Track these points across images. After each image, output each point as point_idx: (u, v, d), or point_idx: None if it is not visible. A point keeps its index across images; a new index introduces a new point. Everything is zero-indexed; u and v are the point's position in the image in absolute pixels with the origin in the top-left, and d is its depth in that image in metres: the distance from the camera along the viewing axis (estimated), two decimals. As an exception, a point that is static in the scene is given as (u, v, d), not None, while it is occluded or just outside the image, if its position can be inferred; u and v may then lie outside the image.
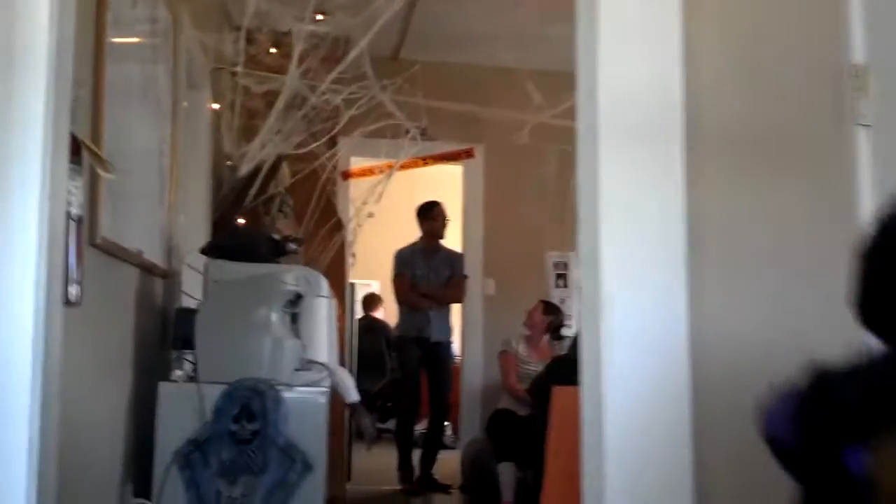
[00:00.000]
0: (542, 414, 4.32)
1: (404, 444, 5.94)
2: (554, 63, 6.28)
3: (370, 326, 8.46)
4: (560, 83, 5.78)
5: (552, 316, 5.68)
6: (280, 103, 4.45)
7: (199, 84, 4.30)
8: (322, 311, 3.27)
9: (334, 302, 3.46)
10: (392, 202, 5.35)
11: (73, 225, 1.71)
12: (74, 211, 1.74)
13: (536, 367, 5.55)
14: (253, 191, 3.97)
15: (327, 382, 3.00)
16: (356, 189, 5.81)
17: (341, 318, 3.69)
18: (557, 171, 6.43)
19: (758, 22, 1.51)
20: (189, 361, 3.17)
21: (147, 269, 2.95)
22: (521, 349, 5.59)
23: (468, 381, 6.22)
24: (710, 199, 1.50)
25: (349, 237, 5.48)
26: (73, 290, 1.73)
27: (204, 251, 3.40)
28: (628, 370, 1.45)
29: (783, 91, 1.49)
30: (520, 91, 5.40)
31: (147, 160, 3.03)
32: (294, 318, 3.14)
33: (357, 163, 6.20)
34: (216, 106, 4.62)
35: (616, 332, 1.47)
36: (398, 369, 6.21)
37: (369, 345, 8.35)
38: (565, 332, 5.90)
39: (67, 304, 1.69)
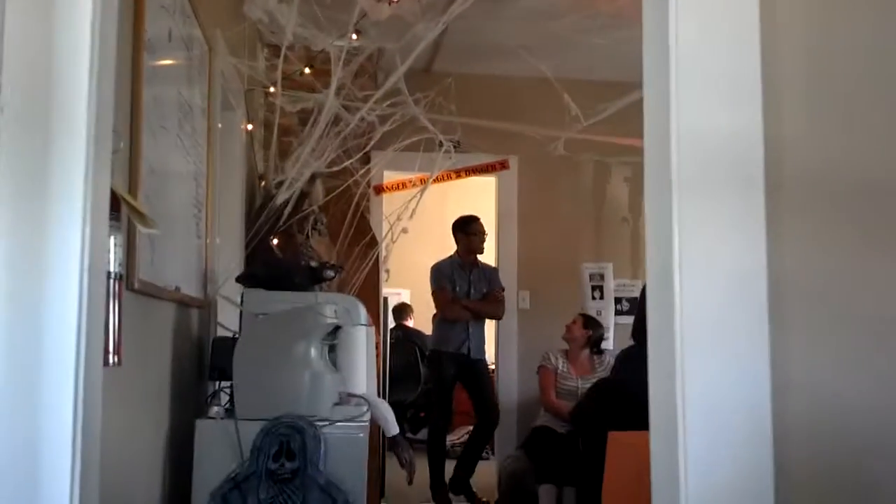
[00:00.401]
0: (585, 438, 4.24)
1: (436, 461, 5.87)
2: (589, 72, 6.24)
3: (402, 337, 8.41)
4: (595, 92, 5.74)
5: (592, 330, 5.59)
6: (321, 124, 4.40)
7: (233, 104, 4.26)
8: (360, 341, 3.21)
9: (373, 329, 3.40)
10: (423, 211, 5.28)
11: (113, 283, 1.66)
12: (115, 269, 1.69)
13: (576, 382, 5.47)
14: (287, 209, 3.91)
15: (367, 417, 2.93)
16: (389, 204, 5.75)
17: (378, 342, 3.62)
18: (593, 181, 6.35)
19: (850, 60, 1.41)
20: (226, 393, 3.14)
21: (184, 303, 2.91)
22: (561, 364, 5.51)
23: (504, 396, 6.14)
24: (795, 254, 1.40)
25: (383, 253, 5.43)
26: (113, 356, 1.68)
27: (240, 280, 3.36)
28: (705, 444, 1.36)
29: (880, 137, 1.40)
30: (554, 100, 5.30)
31: (183, 189, 2.97)
32: (332, 349, 3.09)
33: (390, 177, 6.14)
34: (250, 126, 4.58)
35: (691, 399, 1.37)
36: (431, 383, 6.14)
37: (402, 355, 8.30)
38: (605, 345, 5.81)
39: (107, 366, 1.64)
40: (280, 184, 3.72)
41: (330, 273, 3.37)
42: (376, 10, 4.03)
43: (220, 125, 3.78)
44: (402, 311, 8.87)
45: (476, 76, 6.20)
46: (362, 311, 3.31)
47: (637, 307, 3.86)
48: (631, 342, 4.33)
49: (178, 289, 2.67)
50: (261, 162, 5.42)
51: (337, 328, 3.08)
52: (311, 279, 3.35)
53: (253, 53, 4.88)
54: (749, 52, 1.40)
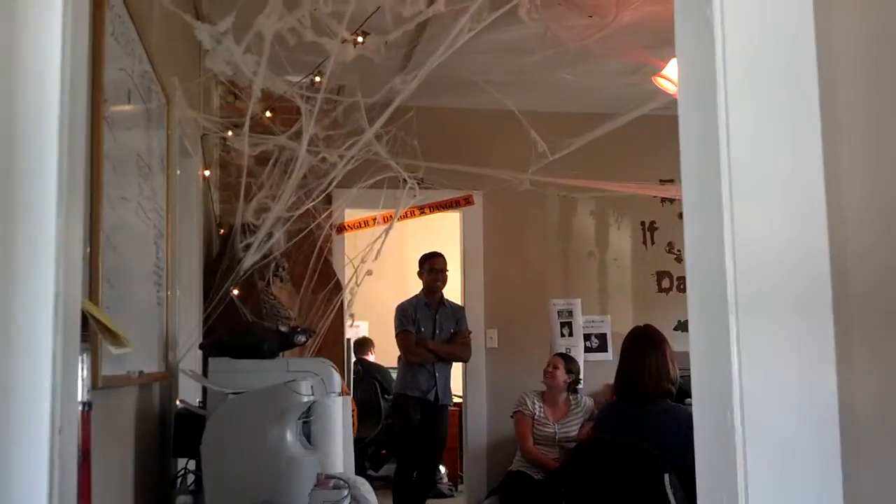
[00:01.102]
0: (569, 494, 4.08)
1: (402, 504, 5.67)
2: (555, 105, 6.13)
3: (363, 372, 8.19)
4: (561, 123, 5.61)
5: (571, 372, 5.45)
6: (284, 167, 4.20)
7: (189, 151, 4.04)
8: (336, 413, 3.01)
9: (349, 398, 3.20)
10: (385, 246, 5.10)
11: (82, 413, 1.45)
12: (85, 398, 1.47)
13: (553, 428, 5.31)
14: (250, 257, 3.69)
15: (347, 501, 2.73)
16: (352, 245, 5.55)
17: (354, 410, 3.42)
18: (559, 215, 6.21)
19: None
20: (192, 472, 2.92)
21: (146, 385, 2.68)
22: (538, 409, 5.34)
23: (472, 438, 5.96)
24: (870, 383, 1.24)
25: (347, 297, 5.22)
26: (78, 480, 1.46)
27: (204, 348, 3.14)
28: None
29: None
30: (520, 133, 5.17)
31: (144, 258, 2.75)
32: (306, 423, 2.89)
33: (352, 214, 5.94)
34: (207, 172, 4.36)
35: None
36: (397, 427, 5.93)
37: (363, 391, 8.08)
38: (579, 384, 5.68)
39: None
40: (248, 247, 3.51)
41: (301, 338, 3.16)
42: (342, 52, 3.84)
43: (178, 172, 3.57)
44: (363, 345, 8.65)
45: (440, 109, 6.03)
46: (336, 380, 3.11)
47: (619, 360, 3.71)
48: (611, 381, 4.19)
49: (141, 373, 2.44)
50: (217, 204, 5.20)
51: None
52: (281, 345, 3.15)
53: (208, 94, 4.66)
54: (812, 156, 1.24)
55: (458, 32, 3.12)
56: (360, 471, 7.96)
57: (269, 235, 3.52)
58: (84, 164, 1.58)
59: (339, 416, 3.00)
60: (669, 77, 4.24)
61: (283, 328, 3.18)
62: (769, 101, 1.26)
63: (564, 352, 5.89)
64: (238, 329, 3.28)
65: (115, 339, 1.48)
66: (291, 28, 3.39)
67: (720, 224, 1.26)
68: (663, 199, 6.23)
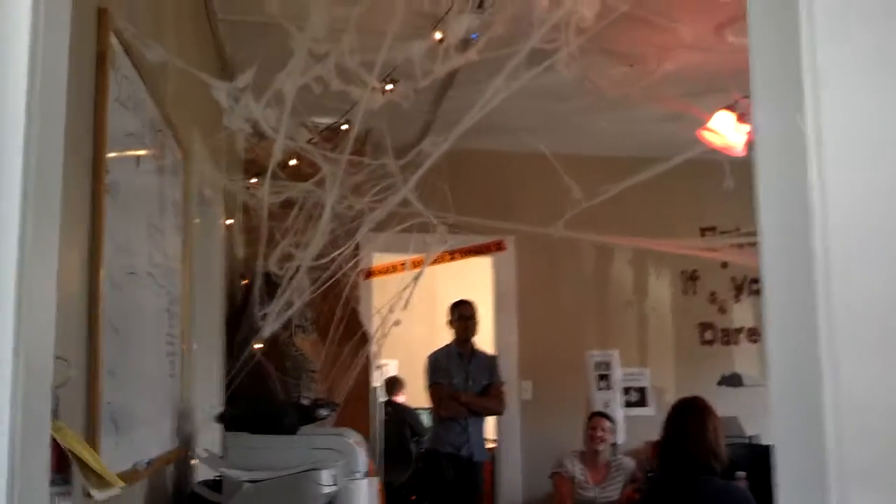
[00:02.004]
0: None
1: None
2: (590, 148, 5.91)
3: (393, 414, 7.94)
4: (596, 167, 5.40)
5: (615, 432, 5.19)
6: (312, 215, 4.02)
7: (210, 200, 3.87)
8: (360, 499, 2.79)
9: (375, 480, 2.98)
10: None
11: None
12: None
13: (594, 492, 5.05)
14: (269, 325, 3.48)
15: None
16: (380, 293, 5.34)
17: (380, 489, 3.19)
18: (595, 262, 5.98)
19: None
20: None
21: (158, 471, 2.48)
22: (578, 471, 5.07)
23: (506, 496, 5.71)
24: None
25: (374, 348, 5.01)
26: None
27: (222, 421, 2.94)
28: None
29: None
30: (552, 175, 4.96)
31: (156, 333, 2.56)
32: (330, 509, 2.67)
33: (380, 258, 5.74)
34: (230, 221, 4.19)
35: None
36: (429, 484, 5.68)
37: (394, 433, 7.83)
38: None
39: None
40: (265, 316, 3.31)
41: (323, 412, 2.95)
42: (370, 100, 3.65)
43: (196, 221, 3.41)
44: (393, 385, 8.41)
45: (471, 151, 5.82)
46: (362, 459, 2.89)
47: (664, 431, 3.46)
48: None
49: (150, 463, 2.24)
50: (241, 248, 5.03)
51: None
52: (302, 420, 2.94)
53: (231, 136, 4.50)
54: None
55: (493, 93, 2.91)
56: (387, 517, 7.73)
57: (290, 305, 3.31)
58: (56, 232, 1.40)
59: (366, 503, 2.77)
60: (715, 130, 4.01)
61: (304, 401, 2.97)
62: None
63: (602, 407, 5.63)
64: (257, 402, 3.08)
65: (100, 481, 1.28)
66: (317, 77, 3.21)
67: (819, 383, 1.03)
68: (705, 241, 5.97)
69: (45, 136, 1.18)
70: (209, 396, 3.51)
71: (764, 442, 5.18)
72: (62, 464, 1.24)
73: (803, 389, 1.04)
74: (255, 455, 2.79)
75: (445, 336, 6.23)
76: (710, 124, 4.05)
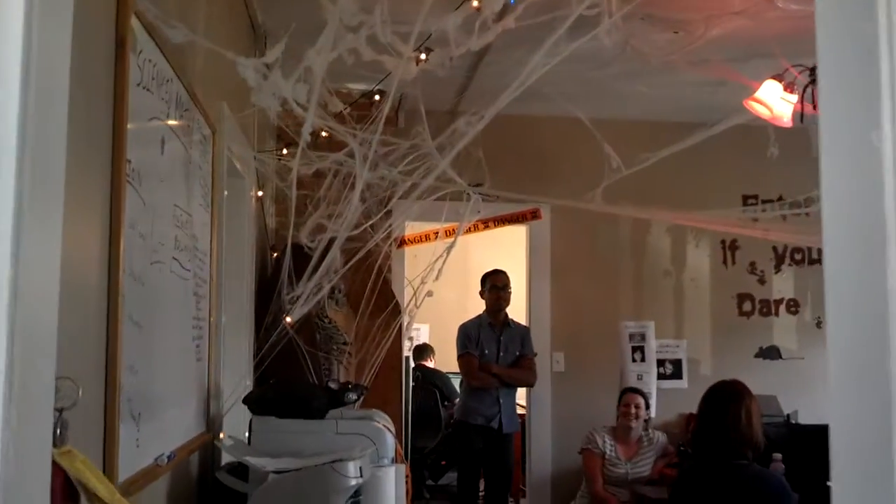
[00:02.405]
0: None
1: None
2: (631, 114, 5.75)
3: (421, 379, 7.91)
4: (636, 133, 5.24)
5: (649, 408, 5.10)
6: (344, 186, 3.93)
7: (240, 172, 3.79)
8: (388, 486, 2.73)
9: (402, 466, 2.92)
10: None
11: None
12: None
13: (625, 468, 4.97)
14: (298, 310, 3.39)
15: None
16: (412, 265, 5.26)
17: (407, 475, 3.14)
18: (631, 231, 5.84)
19: None
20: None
21: (182, 461, 2.43)
22: (608, 448, 4.99)
23: (535, 469, 5.65)
24: None
25: (406, 320, 4.94)
26: None
27: (249, 404, 2.88)
28: None
29: None
30: (589, 140, 4.83)
31: (181, 317, 2.50)
32: (355, 502, 2.61)
33: (413, 227, 5.64)
34: (260, 193, 4.11)
35: None
36: (458, 457, 5.63)
37: (423, 399, 7.80)
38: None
39: None
40: (295, 299, 3.23)
41: (352, 396, 2.88)
42: (405, 70, 3.53)
43: (225, 192, 3.33)
44: (423, 351, 8.38)
45: (506, 116, 5.63)
46: (390, 443, 2.83)
47: (699, 415, 3.36)
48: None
49: (172, 456, 2.19)
50: (271, 218, 4.95)
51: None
52: (331, 403, 2.87)
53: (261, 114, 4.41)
54: None
55: (532, 68, 2.78)
56: (418, 480, 7.73)
57: (319, 287, 3.23)
58: (58, 231, 1.30)
59: (392, 492, 2.71)
60: (763, 100, 3.85)
61: (332, 384, 2.91)
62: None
63: (636, 380, 5.54)
64: (285, 385, 3.01)
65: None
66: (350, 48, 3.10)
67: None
68: (744, 211, 5.81)
69: (44, 120, 1.06)
70: (238, 376, 3.46)
71: (801, 420, 5.07)
72: (67, 493, 1.16)
73: (869, 371, 0.94)
74: (281, 440, 2.74)
75: (477, 302, 6.14)
76: (757, 94, 3.88)
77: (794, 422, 4.98)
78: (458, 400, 7.72)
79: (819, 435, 4.44)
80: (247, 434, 2.78)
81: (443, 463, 8.33)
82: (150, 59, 2.04)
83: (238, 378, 3.55)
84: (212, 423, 2.89)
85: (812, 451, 4.46)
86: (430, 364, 8.40)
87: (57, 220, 1.14)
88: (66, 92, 1.18)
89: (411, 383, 6.84)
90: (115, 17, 1.78)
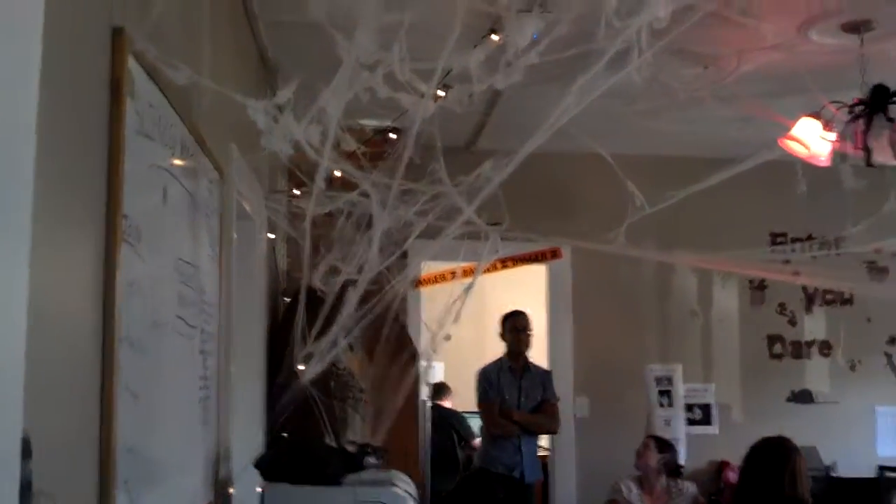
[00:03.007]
0: None
1: None
2: (654, 148, 5.55)
3: (438, 419, 7.67)
4: (660, 168, 5.05)
5: (667, 454, 4.85)
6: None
7: (250, 213, 3.62)
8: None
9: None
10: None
11: None
12: None
13: (653, 517, 4.73)
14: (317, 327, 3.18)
15: None
16: (429, 305, 5.07)
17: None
18: (655, 270, 5.63)
19: None
20: None
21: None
22: (634, 497, 4.75)
23: (560, 522, 5.41)
24: None
25: (423, 365, 4.73)
26: None
27: (261, 468, 2.68)
28: None
29: None
30: (612, 178, 4.65)
31: (185, 380, 2.31)
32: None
33: (430, 266, 5.45)
34: (271, 235, 3.93)
35: None
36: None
37: (440, 440, 7.56)
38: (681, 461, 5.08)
39: None
40: (309, 357, 3.04)
41: (372, 461, 2.69)
42: (423, 108, 3.36)
43: (235, 236, 3.16)
44: (440, 390, 8.13)
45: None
46: (410, 509, 2.63)
47: (741, 475, 3.14)
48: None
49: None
50: (282, 259, 4.78)
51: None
52: (348, 469, 2.68)
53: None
54: None
55: (563, 110, 2.61)
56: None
57: (334, 344, 3.04)
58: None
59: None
60: (799, 139, 3.65)
61: (350, 447, 2.71)
62: None
63: (663, 426, 5.31)
64: (299, 448, 2.81)
65: None
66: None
67: None
68: (773, 251, 5.60)
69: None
70: (250, 432, 3.27)
71: (841, 471, 4.83)
72: None
73: None
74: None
75: (494, 341, 5.94)
76: (793, 132, 3.69)
77: (833, 475, 4.74)
78: (476, 441, 7.51)
79: (861, 488, 4.21)
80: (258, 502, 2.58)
81: (460, 507, 8.07)
82: (150, 103, 1.87)
83: (250, 434, 3.36)
84: (221, 490, 2.69)
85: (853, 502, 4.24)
86: (447, 404, 8.17)
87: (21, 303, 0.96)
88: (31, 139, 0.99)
89: (429, 423, 6.62)
90: (110, 59, 1.61)
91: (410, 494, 2.72)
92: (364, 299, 4.35)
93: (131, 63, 1.69)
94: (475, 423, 6.83)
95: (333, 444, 3.80)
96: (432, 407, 7.85)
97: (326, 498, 2.54)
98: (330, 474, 2.59)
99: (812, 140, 3.62)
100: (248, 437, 3.38)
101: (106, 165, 1.63)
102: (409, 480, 2.95)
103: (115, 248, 1.64)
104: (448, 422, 7.98)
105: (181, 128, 2.18)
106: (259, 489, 2.60)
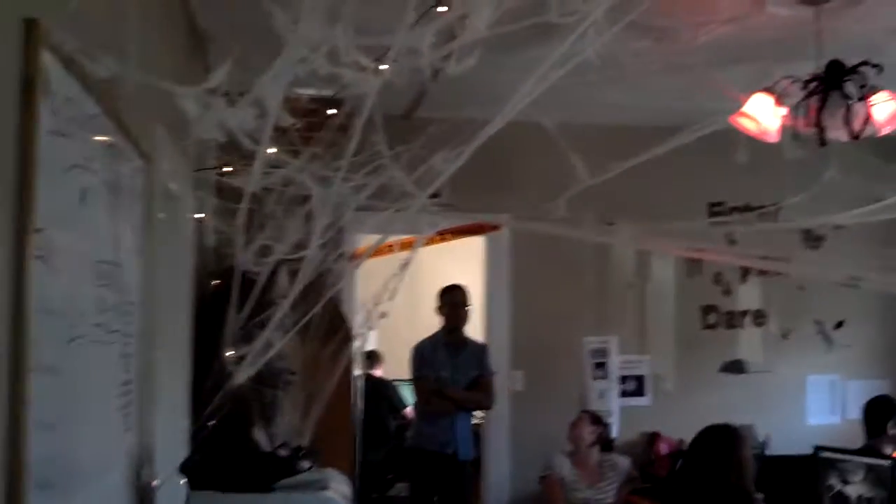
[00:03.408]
0: None
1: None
2: (597, 117, 5.42)
3: (370, 389, 7.52)
4: (603, 138, 4.93)
5: (600, 427, 4.81)
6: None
7: (175, 193, 3.39)
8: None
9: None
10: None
11: None
12: None
13: (587, 494, 4.70)
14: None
15: None
16: (364, 281, 4.89)
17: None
18: (595, 242, 5.54)
19: None
20: None
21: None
22: (567, 471, 4.72)
23: (493, 497, 5.33)
24: None
25: (357, 345, 4.57)
26: None
27: (186, 474, 2.51)
28: None
29: None
30: (554, 150, 4.52)
31: (107, 388, 2.12)
32: None
33: (366, 240, 5.26)
34: (200, 216, 3.71)
35: None
36: (410, 487, 5.28)
37: (371, 409, 7.42)
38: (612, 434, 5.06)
39: None
40: (241, 359, 2.84)
41: (305, 465, 2.54)
42: (363, 82, 3.17)
43: (161, 215, 2.96)
44: (371, 358, 7.99)
45: (463, 121, 5.33)
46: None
47: (683, 465, 3.09)
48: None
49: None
50: (211, 237, 4.54)
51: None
52: (281, 473, 2.52)
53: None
54: None
55: (521, 97, 2.46)
56: (364, 495, 7.38)
57: (269, 345, 2.85)
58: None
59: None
60: (751, 115, 3.56)
61: (282, 452, 2.55)
62: None
63: (597, 398, 5.29)
64: (226, 454, 2.64)
65: None
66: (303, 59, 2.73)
67: None
68: (711, 224, 5.55)
69: None
70: (174, 425, 3.09)
71: (775, 447, 4.85)
72: None
73: None
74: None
75: (426, 308, 5.81)
76: (745, 108, 3.59)
77: (767, 453, 4.75)
78: (407, 410, 7.40)
79: (796, 466, 4.20)
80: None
81: (389, 476, 7.97)
82: (68, 97, 1.65)
83: (174, 424, 3.18)
84: (143, 495, 2.51)
85: (789, 484, 4.24)
86: (378, 373, 8.03)
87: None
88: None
89: (361, 392, 6.49)
90: (20, 55, 1.40)
91: (345, 496, 2.58)
92: (297, 278, 4.16)
93: (47, 57, 1.47)
94: (407, 393, 6.73)
95: (264, 436, 3.64)
96: (365, 375, 7.73)
97: (256, 504, 2.39)
98: (261, 480, 2.43)
99: (763, 116, 3.53)
100: (172, 428, 3.20)
101: (15, 176, 1.42)
102: (344, 479, 2.81)
103: (24, 268, 1.45)
104: (379, 391, 7.85)
105: (103, 118, 1.96)
106: (184, 495, 2.42)
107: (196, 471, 2.46)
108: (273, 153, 3.66)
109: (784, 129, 3.76)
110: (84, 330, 1.84)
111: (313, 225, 3.91)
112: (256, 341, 2.62)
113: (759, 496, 4.01)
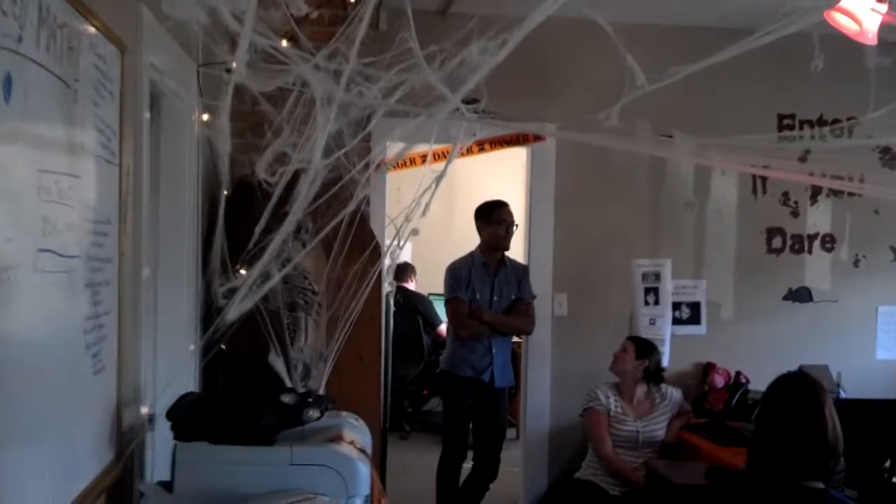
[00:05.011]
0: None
1: (445, 495, 4.75)
2: (655, 16, 4.88)
3: (402, 303, 7.20)
4: (661, 39, 4.40)
5: (647, 359, 4.40)
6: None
7: (177, 92, 2.99)
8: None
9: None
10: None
11: None
12: None
13: (635, 426, 4.34)
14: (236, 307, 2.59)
15: None
16: (395, 202, 4.47)
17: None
18: (650, 156, 5.05)
19: None
20: None
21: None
22: (613, 403, 4.34)
23: (532, 425, 4.99)
24: None
25: (387, 263, 4.19)
26: None
27: (172, 419, 2.16)
28: None
29: None
30: (607, 49, 4.03)
31: (61, 317, 1.75)
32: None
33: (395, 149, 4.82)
34: (206, 117, 3.30)
35: None
36: (444, 410, 4.95)
37: (404, 325, 7.13)
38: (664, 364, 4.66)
39: None
40: (232, 291, 2.44)
41: (313, 414, 2.17)
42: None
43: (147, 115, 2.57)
44: (403, 271, 7.66)
45: (505, 19, 4.82)
46: (363, 476, 2.13)
47: (758, 421, 2.67)
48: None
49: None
50: (225, 142, 4.14)
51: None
52: (283, 424, 2.16)
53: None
54: None
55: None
56: (398, 409, 7.12)
57: (266, 276, 2.45)
58: None
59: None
60: (850, 10, 3.03)
61: (286, 399, 2.18)
62: None
63: (648, 325, 4.88)
64: (220, 400, 2.27)
65: None
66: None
67: None
68: (780, 139, 5.03)
69: None
70: (180, 356, 2.76)
71: (846, 388, 4.40)
72: None
73: None
74: (216, 474, 2.05)
75: (462, 220, 5.41)
76: (843, 3, 3.05)
77: (843, 396, 4.30)
78: (441, 328, 7.08)
79: (873, 412, 3.76)
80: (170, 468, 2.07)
81: (424, 392, 7.73)
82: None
83: (180, 355, 2.84)
84: (126, 447, 2.17)
85: (866, 432, 3.82)
86: (411, 286, 7.71)
87: None
88: None
89: (392, 308, 6.14)
90: None
91: (363, 452, 2.22)
92: (320, 190, 3.74)
93: None
94: (441, 308, 6.39)
95: (281, 363, 3.30)
96: (396, 289, 7.37)
97: (255, 459, 2.04)
98: (261, 432, 2.07)
99: (863, 13, 3.00)
100: (176, 354, 2.87)
101: None
102: (362, 427, 2.45)
103: None
104: (413, 304, 7.55)
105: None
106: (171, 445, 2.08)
107: (183, 422, 2.11)
108: (287, 47, 3.22)
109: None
110: (18, 260, 1.46)
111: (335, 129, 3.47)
112: (264, 258, 2.22)
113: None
